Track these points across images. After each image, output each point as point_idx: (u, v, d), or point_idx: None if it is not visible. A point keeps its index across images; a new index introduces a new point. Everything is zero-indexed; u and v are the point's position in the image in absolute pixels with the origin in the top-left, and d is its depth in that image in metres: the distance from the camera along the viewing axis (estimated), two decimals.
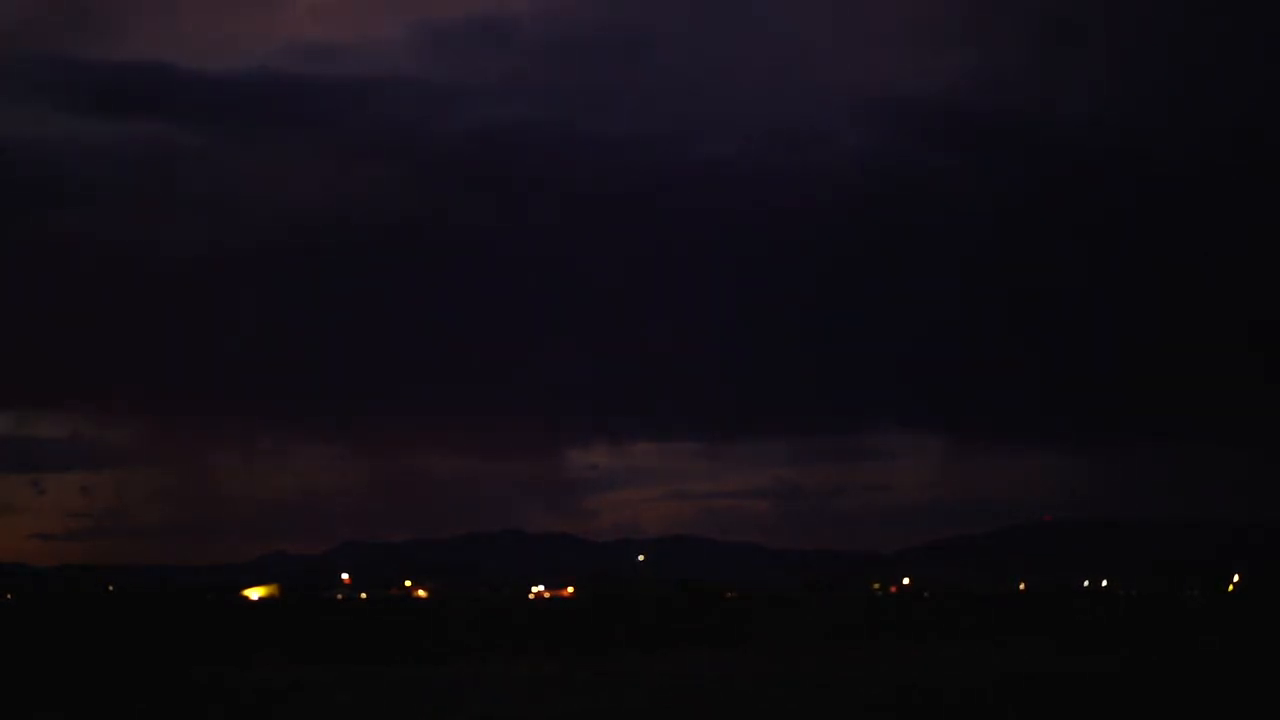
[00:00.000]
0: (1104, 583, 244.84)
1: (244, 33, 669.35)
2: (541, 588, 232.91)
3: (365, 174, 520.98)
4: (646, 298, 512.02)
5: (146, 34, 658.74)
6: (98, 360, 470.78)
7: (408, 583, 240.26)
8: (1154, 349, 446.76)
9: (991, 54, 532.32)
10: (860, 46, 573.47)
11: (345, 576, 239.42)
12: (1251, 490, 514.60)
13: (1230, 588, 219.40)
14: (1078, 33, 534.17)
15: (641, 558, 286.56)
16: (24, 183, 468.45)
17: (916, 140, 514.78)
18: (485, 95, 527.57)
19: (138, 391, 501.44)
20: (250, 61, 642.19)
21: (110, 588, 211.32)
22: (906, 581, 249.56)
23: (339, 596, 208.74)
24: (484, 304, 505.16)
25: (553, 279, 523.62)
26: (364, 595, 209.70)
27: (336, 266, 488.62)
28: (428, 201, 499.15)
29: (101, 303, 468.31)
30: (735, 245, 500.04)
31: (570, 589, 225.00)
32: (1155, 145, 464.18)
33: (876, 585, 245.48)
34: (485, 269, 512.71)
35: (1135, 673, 58.26)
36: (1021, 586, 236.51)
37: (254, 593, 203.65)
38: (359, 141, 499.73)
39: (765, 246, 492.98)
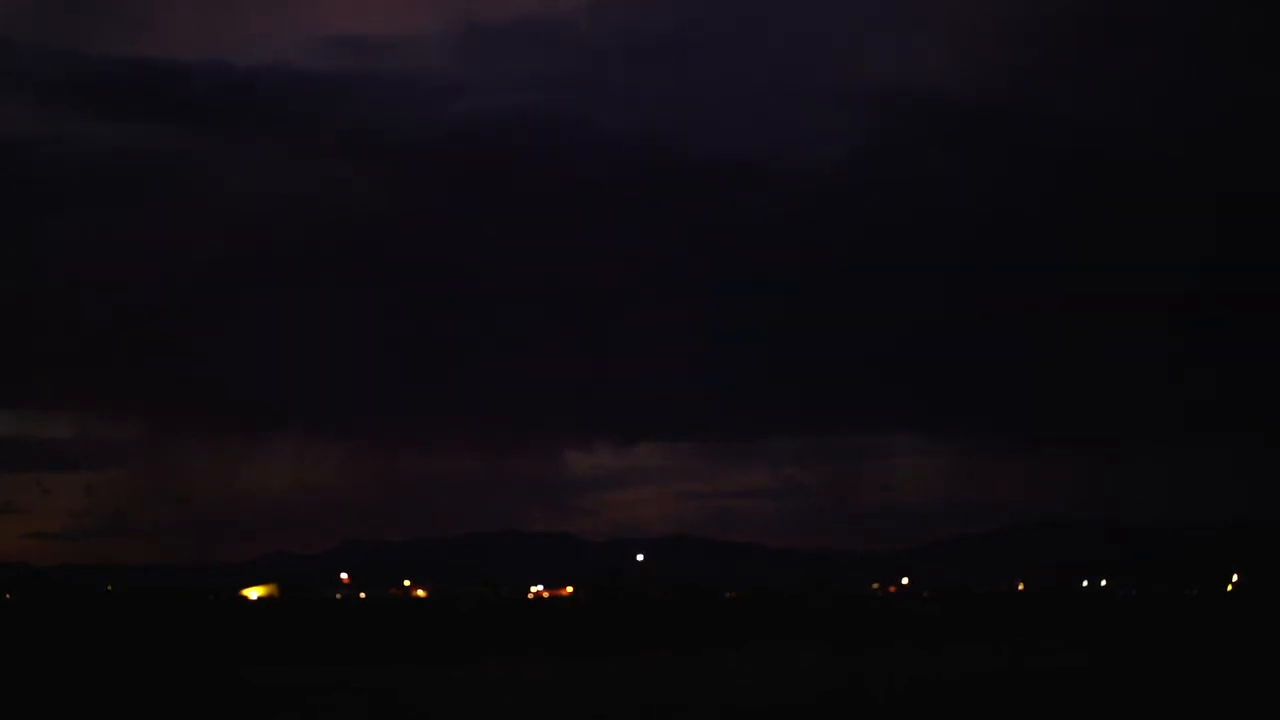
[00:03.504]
0: (1103, 582, 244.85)
1: (267, 27, 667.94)
2: (541, 587, 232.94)
3: (367, 171, 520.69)
4: (647, 297, 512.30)
5: (167, 29, 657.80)
6: (99, 361, 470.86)
7: (407, 583, 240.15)
8: (1153, 349, 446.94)
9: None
10: (866, 41, 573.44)
11: (345, 576, 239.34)
12: (1251, 490, 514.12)
13: (1230, 588, 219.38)
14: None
15: (641, 558, 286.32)
16: (26, 182, 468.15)
17: (919, 138, 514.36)
18: (500, 92, 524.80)
19: (138, 392, 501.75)
20: (272, 56, 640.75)
21: (110, 588, 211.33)
22: (906, 581, 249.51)
23: (338, 596, 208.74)
24: (484, 303, 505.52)
25: (554, 277, 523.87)
26: (363, 595, 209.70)
27: (336, 266, 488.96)
28: (429, 200, 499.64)
29: (103, 303, 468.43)
30: (736, 244, 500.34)
31: (569, 589, 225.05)
32: (1156, 145, 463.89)
33: (876, 585, 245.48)
34: (486, 267, 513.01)
35: (1135, 672, 58.27)
36: (1021, 586, 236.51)
37: (253, 592, 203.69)
38: (360, 139, 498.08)
39: (766, 245, 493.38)
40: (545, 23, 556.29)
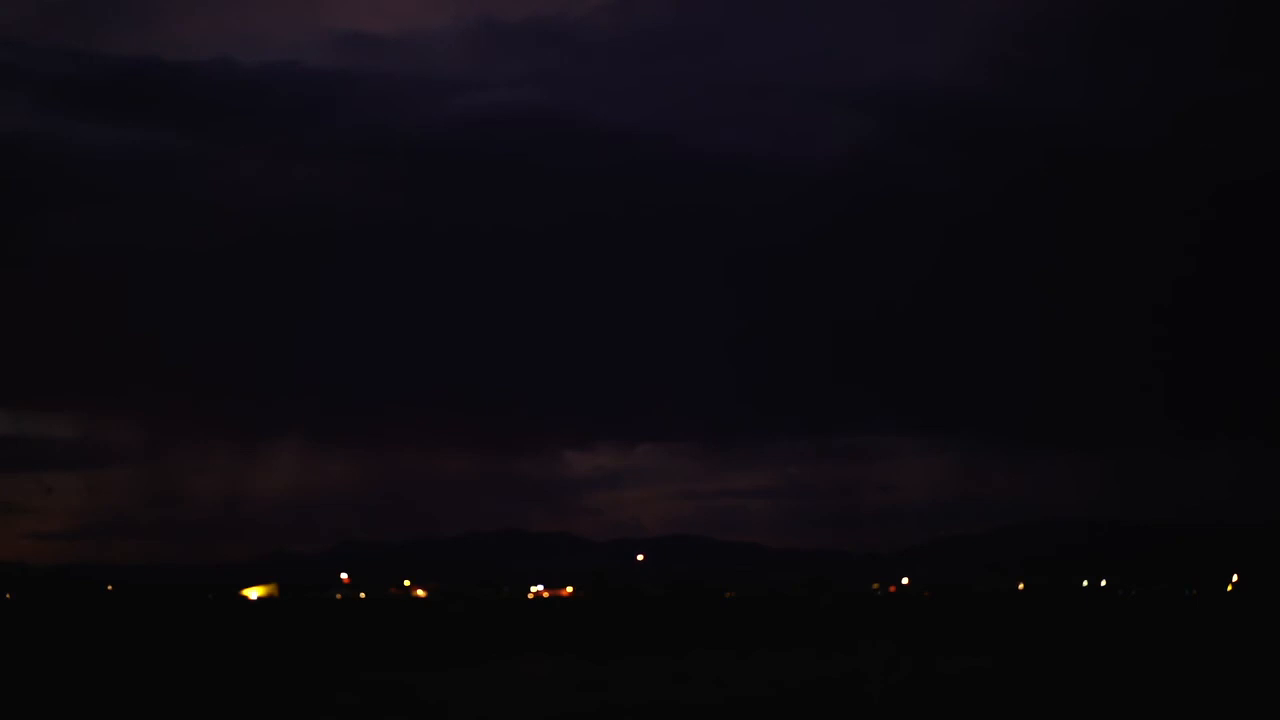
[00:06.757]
0: (1103, 582, 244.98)
1: (274, 24, 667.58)
2: (541, 587, 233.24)
3: (364, 171, 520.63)
4: (647, 297, 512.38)
5: (172, 27, 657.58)
6: (99, 360, 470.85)
7: (407, 582, 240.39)
8: (1153, 349, 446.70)
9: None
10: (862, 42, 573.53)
11: (345, 576, 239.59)
12: (1250, 490, 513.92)
13: (1230, 588, 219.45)
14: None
15: (641, 558, 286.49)
16: (27, 182, 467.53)
17: (920, 138, 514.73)
18: (508, 89, 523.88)
19: (138, 391, 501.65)
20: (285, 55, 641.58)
21: (110, 588, 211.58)
22: (906, 581, 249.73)
23: (338, 596, 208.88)
24: (485, 302, 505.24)
25: (554, 276, 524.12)
26: (363, 595, 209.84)
27: (337, 265, 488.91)
28: (425, 200, 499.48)
29: (103, 303, 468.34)
30: (736, 243, 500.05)
31: (569, 589, 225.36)
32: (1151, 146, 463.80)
33: (876, 585, 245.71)
34: (486, 266, 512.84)
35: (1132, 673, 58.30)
36: (1021, 586, 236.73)
37: (253, 592, 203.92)
38: (370, 137, 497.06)
39: (766, 245, 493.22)
40: (557, 20, 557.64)
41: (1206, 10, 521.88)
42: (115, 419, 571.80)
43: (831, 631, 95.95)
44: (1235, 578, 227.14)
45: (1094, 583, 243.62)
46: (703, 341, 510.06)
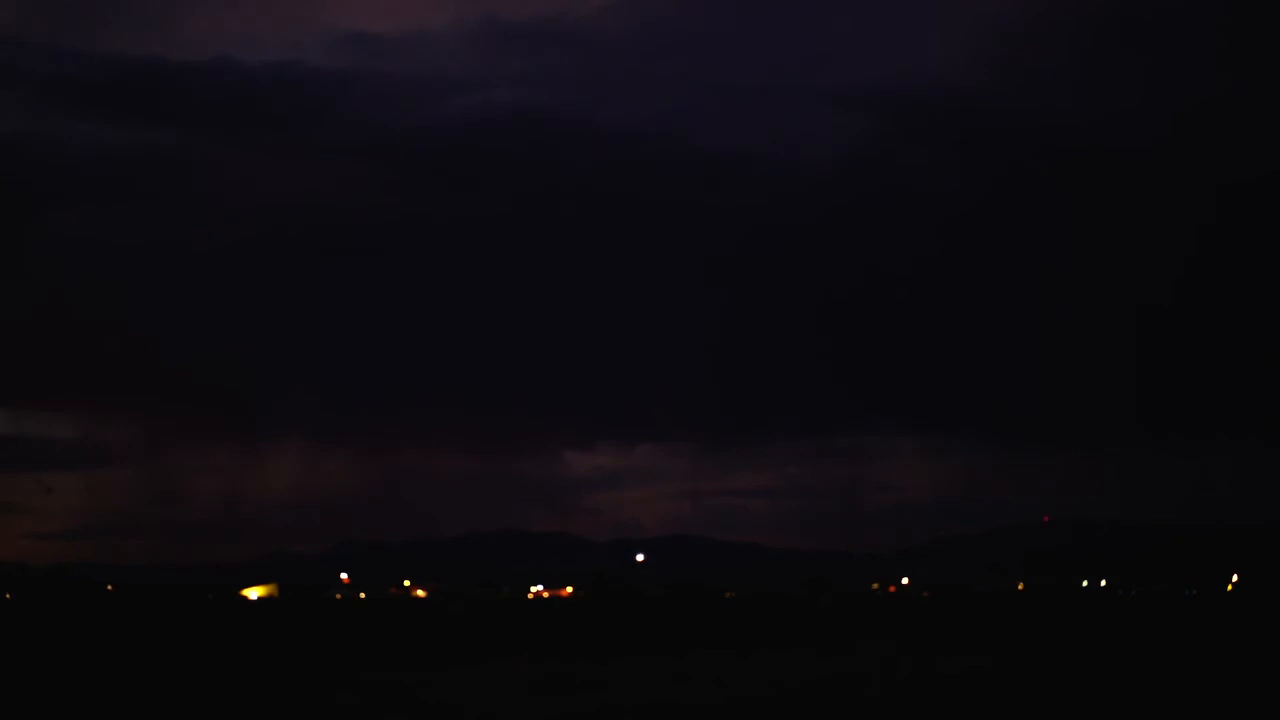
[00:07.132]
0: (1103, 582, 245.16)
1: (276, 25, 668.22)
2: (541, 587, 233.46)
3: (364, 171, 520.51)
4: (647, 297, 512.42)
5: (173, 27, 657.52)
6: (99, 360, 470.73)
7: (407, 583, 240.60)
8: (1154, 349, 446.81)
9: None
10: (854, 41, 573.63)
11: (345, 576, 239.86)
12: (1250, 491, 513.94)
13: (1230, 588, 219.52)
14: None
15: (641, 558, 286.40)
16: (27, 182, 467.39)
17: (919, 138, 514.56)
18: (506, 88, 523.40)
19: (138, 391, 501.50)
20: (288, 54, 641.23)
21: (110, 588, 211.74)
22: (906, 581, 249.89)
23: (338, 596, 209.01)
24: (485, 302, 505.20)
25: (554, 276, 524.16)
26: (363, 595, 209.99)
27: (337, 265, 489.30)
28: (423, 201, 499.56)
29: (103, 303, 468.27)
30: (736, 243, 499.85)
31: (569, 589, 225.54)
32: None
33: (876, 585, 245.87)
34: (486, 266, 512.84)
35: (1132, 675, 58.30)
36: (1021, 586, 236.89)
37: (253, 592, 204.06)
38: (371, 136, 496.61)
39: (766, 245, 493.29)
40: (558, 20, 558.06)
41: (1206, 10, 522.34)
42: (115, 419, 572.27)
43: (831, 631, 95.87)
44: (1235, 578, 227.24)
45: (1094, 583, 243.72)
46: (703, 341, 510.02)
